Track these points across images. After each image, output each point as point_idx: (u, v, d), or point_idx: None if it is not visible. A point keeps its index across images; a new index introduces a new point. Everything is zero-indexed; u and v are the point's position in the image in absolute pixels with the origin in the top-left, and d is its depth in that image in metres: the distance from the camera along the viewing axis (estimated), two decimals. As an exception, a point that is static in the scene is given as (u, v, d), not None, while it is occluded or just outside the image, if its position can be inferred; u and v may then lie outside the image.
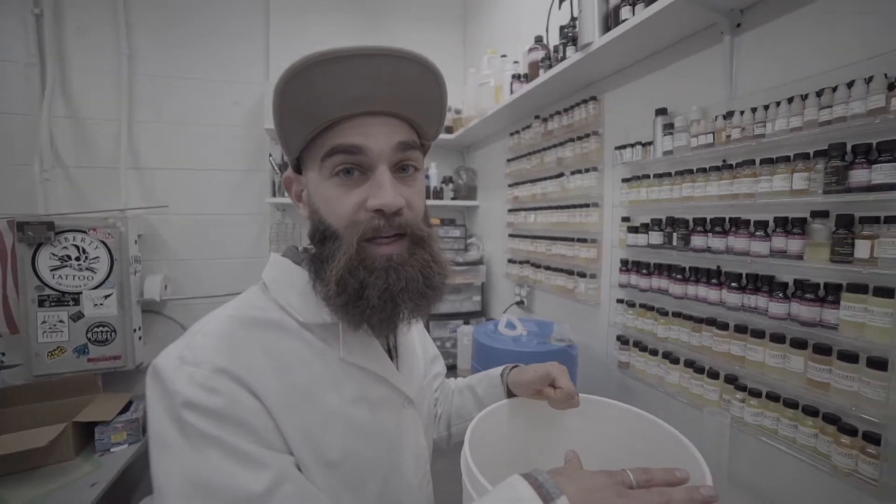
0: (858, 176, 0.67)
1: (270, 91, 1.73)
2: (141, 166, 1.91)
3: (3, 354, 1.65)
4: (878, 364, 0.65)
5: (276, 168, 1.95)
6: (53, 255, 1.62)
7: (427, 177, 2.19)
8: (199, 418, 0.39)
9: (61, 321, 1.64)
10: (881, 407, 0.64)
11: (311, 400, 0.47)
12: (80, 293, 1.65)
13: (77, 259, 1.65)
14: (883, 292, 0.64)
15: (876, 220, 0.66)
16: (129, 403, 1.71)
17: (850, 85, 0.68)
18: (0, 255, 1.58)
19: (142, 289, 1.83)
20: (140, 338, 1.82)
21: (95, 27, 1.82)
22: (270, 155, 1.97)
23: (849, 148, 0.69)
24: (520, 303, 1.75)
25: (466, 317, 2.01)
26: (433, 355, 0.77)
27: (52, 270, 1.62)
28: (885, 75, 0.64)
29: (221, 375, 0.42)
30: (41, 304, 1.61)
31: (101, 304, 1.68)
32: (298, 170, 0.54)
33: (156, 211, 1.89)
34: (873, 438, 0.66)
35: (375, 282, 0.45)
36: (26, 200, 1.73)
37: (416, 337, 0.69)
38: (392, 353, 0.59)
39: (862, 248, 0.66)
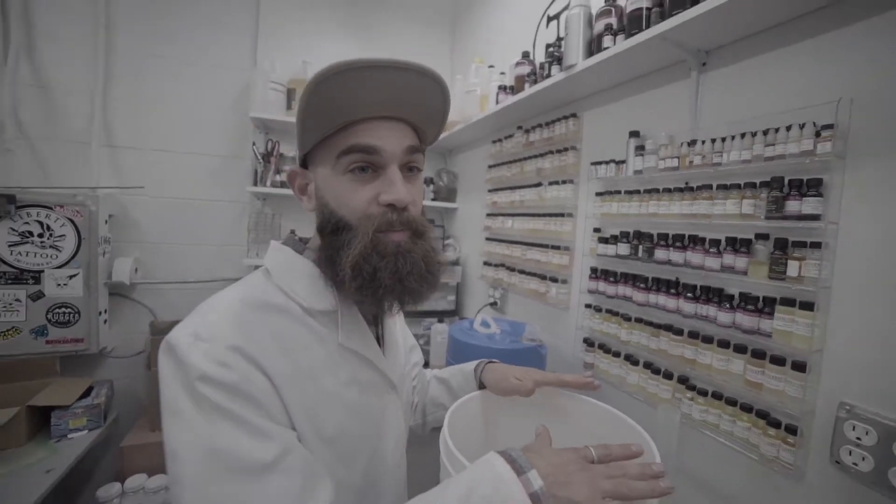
0: (792, 206, 0.78)
1: (257, 79, 1.74)
2: (115, 144, 1.84)
3: (-48, 333, 1.55)
4: (799, 367, 0.76)
5: (258, 157, 1.93)
6: (13, 230, 1.54)
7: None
8: (214, 391, 0.43)
9: (18, 300, 1.57)
10: (799, 402, 0.76)
11: (312, 381, 0.51)
12: (42, 272, 1.59)
13: (40, 236, 1.58)
14: (806, 306, 0.76)
15: (804, 244, 0.77)
16: (90, 389, 1.66)
17: (788, 128, 0.79)
18: (-45, 228, 1.50)
19: (110, 271, 1.76)
20: (105, 321, 1.76)
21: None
22: (254, 144, 1.95)
23: (786, 181, 0.80)
24: (493, 304, 1.83)
25: (440, 315, 2.07)
26: (411, 345, 0.82)
27: (10, 246, 1.54)
28: (814, 123, 0.76)
29: (235, 353, 0.45)
30: (-3, 281, 1.53)
31: (65, 285, 1.62)
32: (303, 165, 0.58)
33: (129, 191, 1.83)
34: (792, 430, 0.77)
35: (387, 265, 0.50)
36: (-15, 172, 1.64)
37: (398, 328, 0.74)
38: (380, 341, 0.64)
39: (793, 268, 0.78)
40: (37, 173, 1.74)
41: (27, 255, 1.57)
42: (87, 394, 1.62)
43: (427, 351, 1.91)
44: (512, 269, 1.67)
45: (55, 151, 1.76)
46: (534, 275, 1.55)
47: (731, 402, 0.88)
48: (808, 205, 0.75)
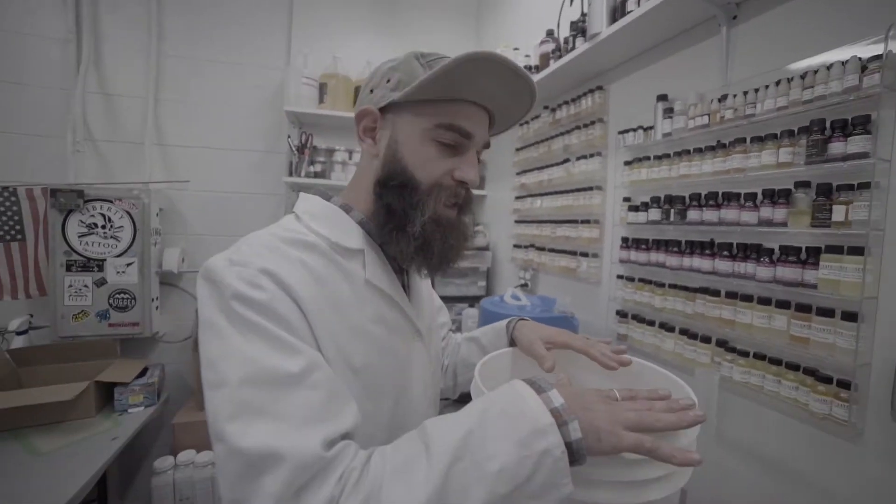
0: (836, 148, 0.75)
1: (291, 76, 1.82)
2: (164, 143, 2.00)
3: (32, 316, 1.73)
4: (850, 316, 0.72)
5: (293, 149, 2.03)
6: (82, 222, 1.70)
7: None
8: (245, 308, 0.45)
9: (86, 286, 1.72)
10: (852, 355, 0.72)
11: (339, 312, 0.52)
12: (105, 260, 1.73)
13: (103, 227, 1.73)
14: (855, 251, 0.72)
15: (850, 187, 0.74)
16: (145, 370, 1.78)
17: (829, 67, 0.76)
18: (34, 220, 1.67)
19: (160, 260, 1.90)
20: (157, 307, 1.89)
21: (129, 5, 1.91)
22: (289, 137, 2.06)
23: (828, 123, 0.77)
24: (524, 285, 1.83)
25: (472, 300, 2.08)
26: (439, 305, 0.83)
27: (79, 237, 1.70)
28: (859, 58, 0.72)
29: (266, 276, 0.47)
30: (69, 268, 1.69)
31: (124, 272, 1.76)
32: (381, 110, 0.58)
33: (176, 186, 1.97)
34: (845, 384, 0.73)
35: (441, 237, 0.56)
36: (58, 170, 1.82)
37: (425, 284, 0.75)
38: (406, 290, 0.65)
39: (838, 213, 0.74)
40: (100, 171, 1.92)
41: (93, 244, 1.72)
42: (142, 374, 1.75)
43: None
44: (542, 249, 1.67)
45: (115, 151, 1.94)
46: (563, 252, 1.54)
47: (776, 361, 0.85)
48: (855, 144, 0.71)
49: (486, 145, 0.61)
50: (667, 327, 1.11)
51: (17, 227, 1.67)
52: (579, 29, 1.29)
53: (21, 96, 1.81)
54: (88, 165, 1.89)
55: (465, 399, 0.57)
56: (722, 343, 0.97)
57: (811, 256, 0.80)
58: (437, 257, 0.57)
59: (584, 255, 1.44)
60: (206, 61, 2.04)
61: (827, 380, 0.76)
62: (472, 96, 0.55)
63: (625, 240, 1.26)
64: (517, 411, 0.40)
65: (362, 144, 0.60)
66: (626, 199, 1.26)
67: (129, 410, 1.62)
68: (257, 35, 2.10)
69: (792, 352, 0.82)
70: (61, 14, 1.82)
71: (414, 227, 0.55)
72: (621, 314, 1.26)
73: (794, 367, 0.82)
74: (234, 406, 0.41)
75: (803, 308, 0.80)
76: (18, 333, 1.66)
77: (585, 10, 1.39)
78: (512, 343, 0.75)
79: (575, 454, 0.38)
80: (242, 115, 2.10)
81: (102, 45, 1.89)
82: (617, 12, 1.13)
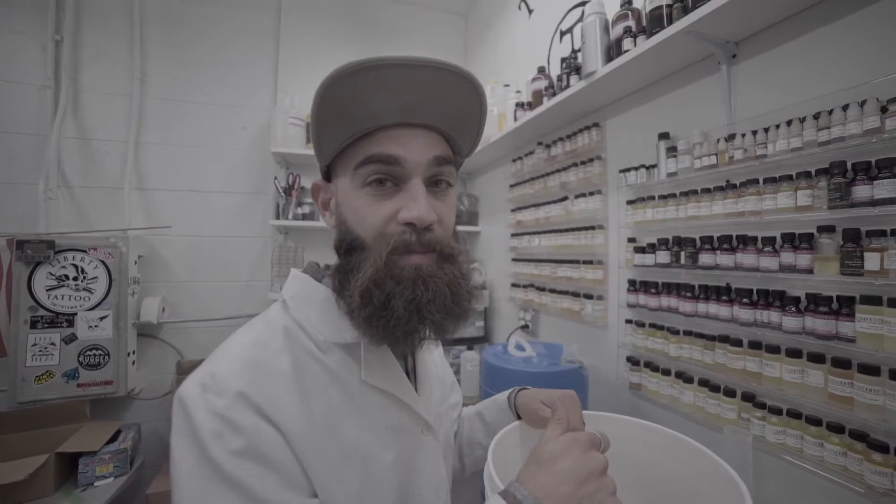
0: (861, 192, 0.70)
1: (277, 116, 1.77)
2: (145, 187, 1.92)
3: (-12, 379, 1.58)
4: (899, 376, 0.65)
5: (280, 191, 1.97)
6: (51, 274, 1.58)
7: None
8: (220, 453, 0.38)
9: (53, 344, 1.58)
10: (910, 421, 0.64)
11: (331, 432, 0.44)
12: (76, 314, 1.61)
13: (75, 279, 1.61)
14: (897, 303, 0.66)
15: (882, 233, 0.69)
16: (118, 433, 1.63)
17: (845, 108, 0.72)
18: (-4, 274, 1.55)
19: (139, 311, 1.78)
20: (133, 362, 1.75)
21: (111, 51, 1.87)
22: (276, 178, 1.99)
23: (849, 166, 0.72)
24: (524, 327, 1.74)
25: (469, 342, 1.98)
26: (451, 382, 0.74)
27: (48, 290, 1.58)
28: (878, 99, 0.69)
29: (243, 403, 0.40)
30: (34, 325, 1.56)
31: (96, 327, 1.63)
32: (328, 178, 0.53)
33: (158, 232, 1.88)
34: (905, 454, 0.65)
35: (402, 292, 0.43)
36: (28, 219, 1.71)
37: (435, 359, 0.67)
38: (410, 374, 0.57)
39: (872, 261, 0.68)
40: (74, 219, 1.82)
41: (62, 298, 1.60)
42: (114, 438, 1.59)
43: (457, 381, 1.82)
44: (542, 289, 1.60)
45: (91, 197, 1.85)
46: (566, 293, 1.46)
47: (814, 421, 0.77)
48: (883, 188, 0.67)
49: (445, 160, 0.48)
50: (685, 377, 1.03)
51: (-22, 283, 1.55)
52: (573, 66, 1.27)
53: (-8, 143, 1.73)
54: (62, 213, 1.79)
55: (473, 480, 0.47)
56: (749, 397, 0.89)
57: (844, 306, 0.73)
58: (404, 319, 0.43)
59: (588, 296, 1.37)
60: (189, 102, 1.99)
61: (881, 447, 0.67)
62: (383, 119, 0.44)
63: (632, 282, 1.19)
64: None
65: (324, 219, 0.54)
66: (631, 240, 1.20)
67: (96, 483, 1.46)
68: (243, 75, 2.07)
69: (833, 412, 0.74)
70: (40, 61, 1.77)
71: (352, 296, 0.44)
72: (632, 361, 1.17)
73: (837, 429, 0.74)
74: None
75: (841, 363, 0.73)
76: (-29, 400, 1.50)
77: (577, 47, 1.39)
78: (518, 416, 0.65)
79: None
80: (227, 157, 2.04)
81: (82, 90, 1.84)
82: (612, 51, 1.11)
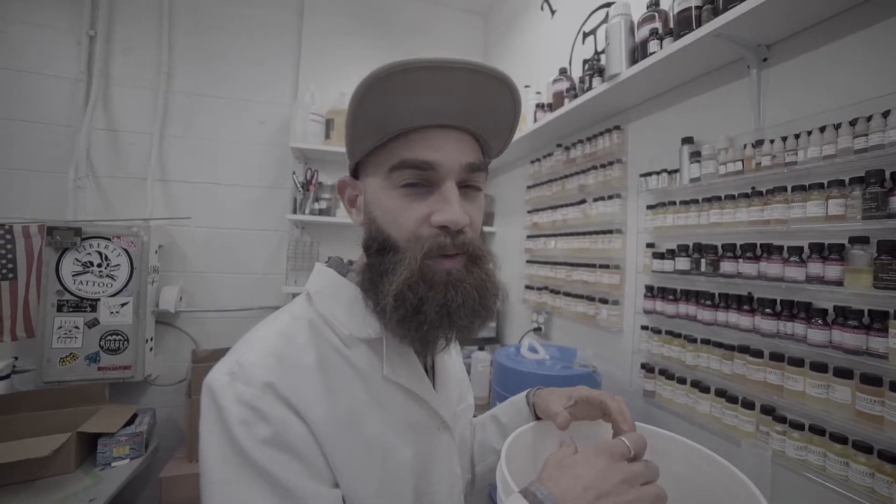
0: (899, 202, 0.67)
1: (297, 112, 1.79)
2: (167, 178, 1.96)
3: (16, 359, 1.64)
4: (934, 396, 0.63)
5: (298, 186, 1.99)
6: (77, 260, 1.64)
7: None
8: (247, 439, 0.39)
9: (76, 327, 1.64)
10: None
11: (354, 426, 0.45)
12: (98, 300, 1.66)
13: (99, 266, 1.66)
14: (933, 319, 0.63)
15: (920, 246, 0.66)
16: (135, 416, 1.68)
17: (885, 114, 0.70)
18: (28, 259, 1.61)
19: (157, 299, 1.82)
20: (151, 349, 1.80)
21: (141, 47, 1.93)
22: (294, 173, 2.02)
23: (887, 175, 0.70)
24: (537, 329, 1.73)
25: (481, 343, 1.97)
26: (467, 384, 0.73)
27: (74, 276, 1.63)
28: (920, 106, 0.66)
29: (271, 394, 0.41)
30: (60, 308, 1.61)
31: (117, 313, 1.68)
32: (355, 175, 0.54)
33: (177, 222, 1.92)
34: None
35: (435, 297, 0.44)
36: (57, 207, 1.78)
37: (453, 359, 0.67)
38: (429, 373, 0.57)
39: (907, 274, 0.66)
40: (100, 207, 1.87)
41: (87, 283, 1.65)
42: (131, 421, 1.63)
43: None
44: (556, 292, 1.58)
45: (116, 187, 1.90)
46: (581, 297, 1.45)
47: (839, 439, 0.74)
48: (922, 198, 0.64)
49: (477, 168, 0.48)
50: (701, 387, 1.00)
51: (10, 266, 1.61)
52: (595, 68, 1.25)
53: (27, 133, 1.79)
54: (88, 202, 1.85)
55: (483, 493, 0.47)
56: (768, 410, 0.86)
57: (876, 321, 0.70)
58: (436, 324, 0.44)
59: (604, 301, 1.35)
60: (213, 97, 2.03)
61: (913, 471, 0.65)
62: (417, 121, 0.45)
63: (649, 288, 1.17)
64: None
65: (351, 216, 0.54)
66: (650, 245, 1.18)
67: (113, 464, 1.51)
68: (265, 72, 2.11)
69: (861, 430, 0.71)
70: (74, 55, 1.83)
71: (385, 298, 0.44)
72: (647, 368, 1.15)
73: (865, 448, 0.71)
74: None
75: (871, 381, 0.70)
76: (0, 378, 1.56)
77: (600, 49, 1.37)
78: (537, 416, 0.65)
79: None
80: (247, 151, 2.08)
81: (112, 83, 1.90)
82: (637, 53, 1.09)
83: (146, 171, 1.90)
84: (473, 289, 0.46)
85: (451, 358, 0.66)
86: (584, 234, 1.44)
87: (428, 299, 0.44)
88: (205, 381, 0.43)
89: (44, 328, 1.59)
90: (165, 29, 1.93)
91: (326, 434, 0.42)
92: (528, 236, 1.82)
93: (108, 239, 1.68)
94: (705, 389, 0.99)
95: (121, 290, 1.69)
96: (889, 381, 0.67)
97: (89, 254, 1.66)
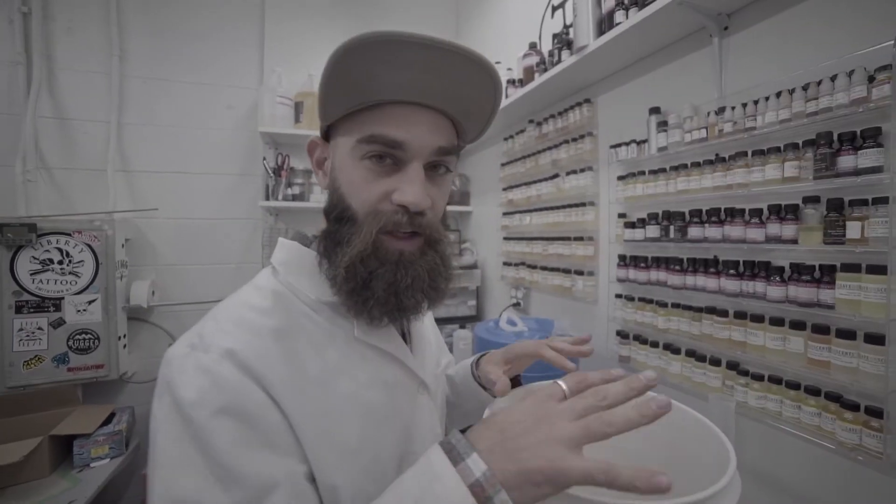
0: (846, 162, 0.71)
1: (265, 95, 1.71)
2: (129, 169, 1.87)
3: (-25, 365, 1.55)
4: (875, 339, 0.68)
5: (269, 172, 1.93)
6: (34, 258, 1.55)
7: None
8: (199, 412, 0.38)
9: (40, 328, 1.56)
10: (881, 380, 0.67)
11: (324, 387, 0.45)
12: (62, 299, 1.58)
13: (60, 263, 1.58)
14: (875, 269, 0.68)
15: (864, 202, 0.70)
16: (112, 415, 1.63)
17: (833, 78, 0.73)
18: (-23, 259, 1.51)
19: (128, 294, 1.76)
20: (125, 346, 1.74)
21: (86, 27, 1.79)
22: (265, 159, 1.96)
23: (835, 136, 0.74)
24: (516, 304, 1.76)
25: (462, 321, 2.00)
26: (442, 346, 0.76)
27: (31, 275, 1.55)
28: (865, 69, 0.70)
29: (229, 360, 0.40)
30: (19, 310, 1.53)
31: (85, 311, 1.61)
32: (326, 137, 0.52)
33: (144, 214, 1.84)
34: (875, 412, 0.68)
35: (384, 274, 0.45)
36: (6, 202, 1.66)
37: (428, 323, 0.68)
38: (405, 336, 0.58)
39: (853, 229, 0.70)
40: (56, 201, 1.77)
41: (48, 282, 1.57)
42: (108, 421, 1.59)
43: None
44: (533, 267, 1.61)
45: (73, 179, 1.79)
46: (557, 270, 1.48)
47: (793, 386, 0.80)
48: (867, 157, 0.68)
49: (448, 151, 0.47)
50: (672, 349, 1.05)
51: (-41, 267, 1.51)
52: (564, 41, 1.25)
53: (-36, 124, 1.66)
54: (42, 196, 1.74)
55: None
56: (733, 366, 0.92)
57: (826, 275, 0.75)
58: (382, 300, 0.45)
59: (579, 273, 1.38)
60: (174, 82, 1.92)
61: (853, 406, 0.71)
62: (395, 95, 0.44)
63: (622, 257, 1.21)
64: (432, 499, 0.32)
65: (317, 178, 0.54)
66: (622, 216, 1.22)
67: (92, 465, 1.47)
68: (228, 53, 2.00)
69: (811, 376, 0.77)
70: (8, 36, 1.68)
71: (337, 268, 0.45)
72: (622, 335, 1.20)
73: (814, 391, 0.77)
74: None
75: (821, 329, 0.75)
76: (-40, 386, 1.48)
77: (569, 22, 1.37)
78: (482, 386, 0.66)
79: None
80: (214, 138, 1.99)
81: (56, 67, 1.76)
82: (604, 24, 1.10)
83: (105, 161, 1.80)
84: (425, 271, 0.47)
85: (426, 322, 0.66)
86: (558, 208, 1.46)
87: (378, 276, 0.44)
88: (165, 354, 0.42)
89: (2, 331, 1.51)
90: (113, 6, 1.80)
91: (292, 399, 0.42)
92: (504, 213, 1.84)
93: (69, 234, 1.60)
94: (676, 351, 1.04)
95: (87, 287, 1.62)
96: (835, 329, 0.73)
97: (48, 251, 1.57)
